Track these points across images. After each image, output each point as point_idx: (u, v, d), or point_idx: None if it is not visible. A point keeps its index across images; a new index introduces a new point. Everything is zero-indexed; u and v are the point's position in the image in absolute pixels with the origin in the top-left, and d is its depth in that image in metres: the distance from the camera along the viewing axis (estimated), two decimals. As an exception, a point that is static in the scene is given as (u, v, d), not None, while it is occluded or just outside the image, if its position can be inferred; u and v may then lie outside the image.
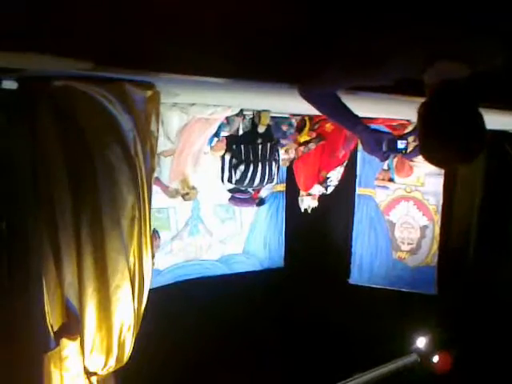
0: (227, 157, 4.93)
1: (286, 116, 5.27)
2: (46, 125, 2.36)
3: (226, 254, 6.42)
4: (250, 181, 4.98)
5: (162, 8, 1.85)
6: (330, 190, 6.06)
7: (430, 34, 1.73)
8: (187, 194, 4.93)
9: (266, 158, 4.99)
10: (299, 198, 6.14)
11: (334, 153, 5.69)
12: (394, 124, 5.27)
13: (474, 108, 1.72)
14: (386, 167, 6.48)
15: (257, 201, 5.60)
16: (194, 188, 4.90)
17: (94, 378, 2.81)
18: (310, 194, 6.08)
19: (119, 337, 2.82)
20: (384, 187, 6.68)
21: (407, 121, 5.15)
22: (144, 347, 3.09)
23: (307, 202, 6.11)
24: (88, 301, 2.65)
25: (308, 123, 5.47)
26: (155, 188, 4.55)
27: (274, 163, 5.12)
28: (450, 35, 1.71)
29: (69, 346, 2.64)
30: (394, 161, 6.24)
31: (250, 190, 5.36)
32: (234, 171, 4.91)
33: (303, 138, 5.55)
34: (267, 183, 5.31)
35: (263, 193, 5.70)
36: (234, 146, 4.88)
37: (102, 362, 2.80)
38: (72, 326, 2.67)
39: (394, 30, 1.77)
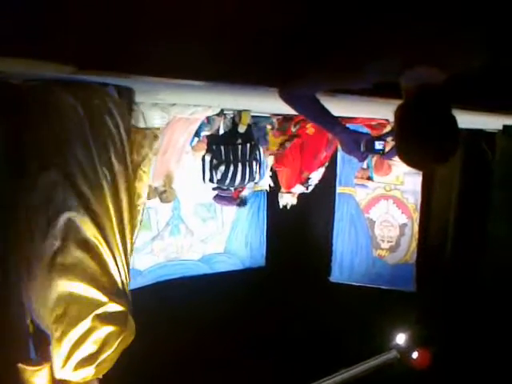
0: (207, 157, 4.93)
1: (267, 116, 5.29)
2: (23, 127, 2.34)
3: (207, 253, 6.42)
4: (230, 181, 4.99)
5: (143, 12, 1.86)
6: (310, 188, 6.11)
7: (408, 40, 1.76)
8: (164, 192, 4.90)
9: (246, 159, 4.99)
10: (279, 194, 6.17)
11: (316, 154, 5.73)
12: (373, 123, 5.32)
13: (449, 111, 1.76)
14: (365, 166, 6.55)
15: (238, 201, 5.60)
16: (172, 188, 4.89)
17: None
18: (290, 192, 6.12)
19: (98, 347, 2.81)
20: (363, 186, 6.74)
21: (386, 120, 5.21)
22: (126, 349, 3.08)
23: (286, 199, 6.14)
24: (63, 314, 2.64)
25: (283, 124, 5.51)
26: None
27: (254, 163, 5.13)
28: (428, 41, 1.75)
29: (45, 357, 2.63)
30: (373, 160, 6.31)
31: (231, 188, 5.38)
32: (214, 172, 4.92)
33: (281, 138, 5.59)
34: (248, 182, 5.32)
35: (244, 192, 5.71)
36: (215, 147, 4.88)
37: (80, 372, 2.77)
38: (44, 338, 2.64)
39: (373, 35, 1.80)
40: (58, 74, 2.12)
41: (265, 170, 5.68)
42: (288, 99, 2.13)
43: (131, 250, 2.92)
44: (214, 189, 5.33)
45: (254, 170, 5.16)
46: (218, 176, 4.92)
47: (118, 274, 2.79)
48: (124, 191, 2.74)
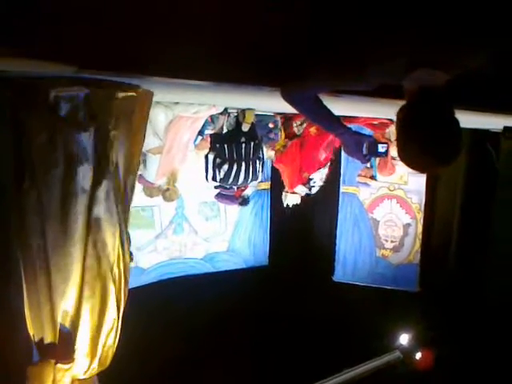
0: (211, 156, 4.93)
1: (271, 114, 5.28)
2: (27, 125, 2.33)
3: (210, 252, 6.42)
4: (233, 179, 4.99)
5: (146, 11, 1.86)
6: (314, 190, 6.09)
7: (410, 42, 1.75)
8: (167, 190, 4.91)
9: (250, 157, 4.99)
10: (283, 194, 6.17)
11: (315, 155, 5.70)
12: (375, 123, 5.30)
13: (451, 114, 1.75)
14: (368, 165, 6.54)
15: (240, 200, 5.61)
16: (175, 187, 4.90)
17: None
18: (294, 192, 6.11)
19: (104, 339, 2.80)
20: (366, 185, 6.73)
21: (389, 120, 5.19)
22: (128, 346, 3.09)
23: (290, 199, 6.14)
24: (78, 309, 2.64)
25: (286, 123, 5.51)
26: (139, 186, 4.55)
27: (257, 161, 5.13)
28: (430, 43, 1.74)
29: (62, 369, 2.63)
30: (377, 159, 6.30)
31: (234, 187, 5.38)
32: (217, 170, 4.92)
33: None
34: (251, 181, 5.32)
35: (247, 191, 5.71)
36: (218, 145, 4.88)
37: (86, 367, 2.77)
38: (63, 345, 2.63)
39: (376, 38, 1.79)
40: (60, 73, 2.13)
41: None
42: (290, 100, 2.12)
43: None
44: (216, 187, 5.34)
45: (257, 168, 5.16)
46: (221, 175, 4.92)
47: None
48: (127, 189, 2.75)
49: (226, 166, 4.88)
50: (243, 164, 4.95)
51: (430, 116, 1.74)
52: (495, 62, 1.94)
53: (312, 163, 5.79)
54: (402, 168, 6.16)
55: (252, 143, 4.98)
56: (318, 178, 6.01)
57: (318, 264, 6.87)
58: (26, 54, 1.68)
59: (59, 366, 2.60)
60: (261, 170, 5.28)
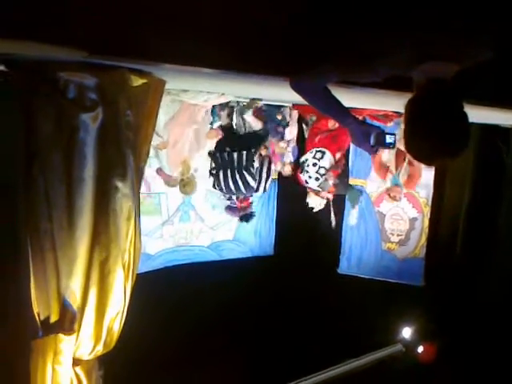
0: (208, 163, 4.94)
1: (284, 105, 5.25)
2: (35, 108, 2.34)
3: (216, 240, 6.44)
4: (225, 188, 4.96)
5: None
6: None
7: (421, 35, 1.75)
8: (182, 180, 4.93)
9: (242, 166, 4.91)
10: (307, 194, 6.15)
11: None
12: (379, 114, 5.26)
13: (460, 107, 1.75)
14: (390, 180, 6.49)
15: (240, 214, 5.59)
16: (189, 177, 4.90)
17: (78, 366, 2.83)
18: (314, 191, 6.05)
19: (109, 323, 2.83)
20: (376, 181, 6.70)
21: (395, 113, 5.15)
22: (133, 332, 3.12)
23: (314, 202, 6.12)
24: (85, 291, 2.66)
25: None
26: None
27: (248, 172, 5.01)
28: (440, 36, 1.73)
29: (64, 341, 2.64)
30: (401, 176, 6.23)
31: (233, 197, 5.36)
32: (214, 177, 4.92)
33: None
34: (248, 193, 5.27)
35: (251, 208, 5.67)
36: (213, 152, 4.88)
37: (90, 348, 2.80)
38: (66, 318, 2.65)
39: (385, 30, 1.79)
40: (70, 58, 2.14)
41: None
42: (300, 90, 2.13)
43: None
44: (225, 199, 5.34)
45: (249, 179, 5.07)
46: (217, 182, 4.93)
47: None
48: (138, 174, 2.76)
49: (220, 174, 4.87)
50: (229, 173, 4.90)
51: (438, 108, 1.74)
52: (502, 55, 1.93)
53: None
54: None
55: (244, 152, 4.89)
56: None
57: (323, 255, 6.87)
58: (36, 38, 1.69)
59: (60, 336, 2.62)
60: (256, 181, 5.16)
